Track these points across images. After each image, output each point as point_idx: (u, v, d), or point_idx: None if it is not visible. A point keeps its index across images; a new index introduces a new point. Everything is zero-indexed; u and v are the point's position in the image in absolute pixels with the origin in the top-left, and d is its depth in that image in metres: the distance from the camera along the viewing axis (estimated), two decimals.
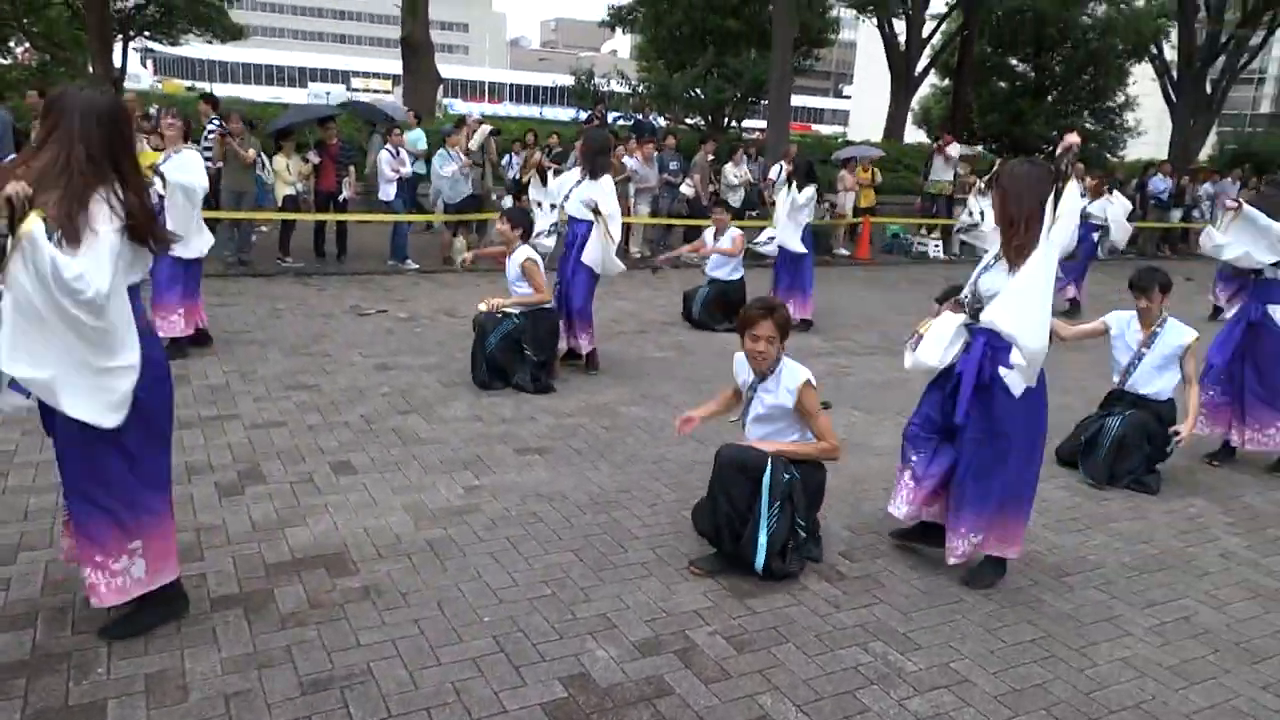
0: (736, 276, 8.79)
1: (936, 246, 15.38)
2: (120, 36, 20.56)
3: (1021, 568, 4.06)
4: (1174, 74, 25.13)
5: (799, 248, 8.67)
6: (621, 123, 19.90)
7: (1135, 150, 30.99)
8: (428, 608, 3.44)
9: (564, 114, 52.61)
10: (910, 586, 3.86)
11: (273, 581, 3.57)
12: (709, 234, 8.93)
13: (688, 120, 23.26)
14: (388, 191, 11.27)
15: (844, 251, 14.89)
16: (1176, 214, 17.82)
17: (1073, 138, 3.77)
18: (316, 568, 3.70)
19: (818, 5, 23.88)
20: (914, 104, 29.23)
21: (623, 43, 78.13)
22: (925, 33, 26.51)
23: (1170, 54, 25.98)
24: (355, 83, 75.53)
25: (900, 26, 26.43)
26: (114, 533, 3.03)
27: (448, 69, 22.45)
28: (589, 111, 19.26)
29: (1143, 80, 28.37)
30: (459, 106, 51.54)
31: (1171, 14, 25.27)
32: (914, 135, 31.70)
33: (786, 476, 3.72)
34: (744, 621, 3.48)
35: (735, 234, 8.75)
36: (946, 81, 29.75)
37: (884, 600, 3.72)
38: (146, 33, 21.50)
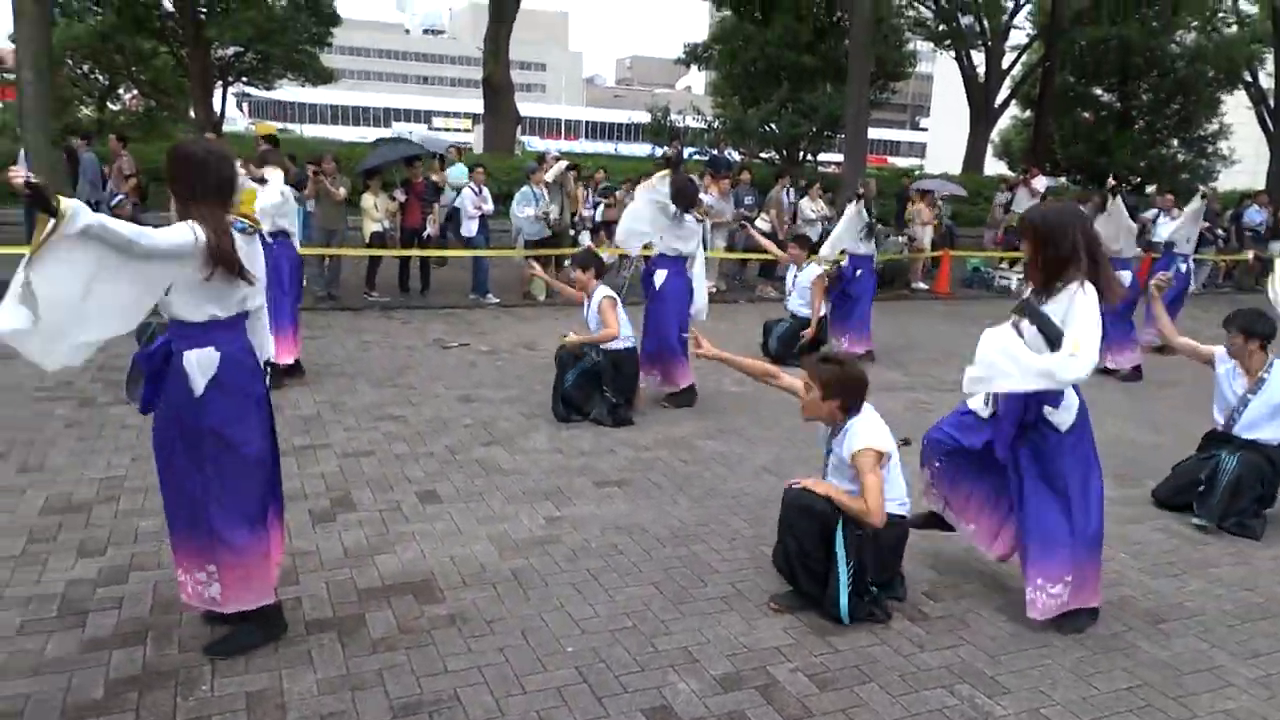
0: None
1: (1019, 280, 15.05)
2: (220, 82, 21.67)
3: (1114, 612, 3.94)
4: (1270, 101, 24.25)
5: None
6: (697, 158, 20.11)
7: (1230, 180, 29.92)
8: (512, 636, 3.51)
9: (639, 149, 53.38)
10: (997, 628, 3.78)
11: (364, 606, 3.69)
12: (791, 270, 8.94)
13: (762, 155, 23.37)
14: (470, 228, 11.57)
15: (922, 286, 14.70)
16: (1276, 245, 17.12)
17: None
18: (405, 594, 3.80)
19: (894, 39, 23.83)
20: (994, 135, 28.79)
21: (697, 79, 78.94)
22: (1005, 64, 26.17)
23: (1266, 81, 25.08)
24: (436, 122, 77.95)
25: (979, 58, 26.15)
26: (192, 549, 3.24)
27: (526, 107, 23.03)
28: (665, 147, 19.49)
29: (1238, 108, 27.44)
30: (536, 144, 52.73)
31: (1266, 40, 24.44)
32: (994, 167, 31.19)
33: (859, 533, 3.66)
34: (826, 659, 3.46)
35: (815, 271, 8.71)
36: (1028, 113, 29.25)
37: (970, 641, 3.65)
38: (244, 78, 22.64)
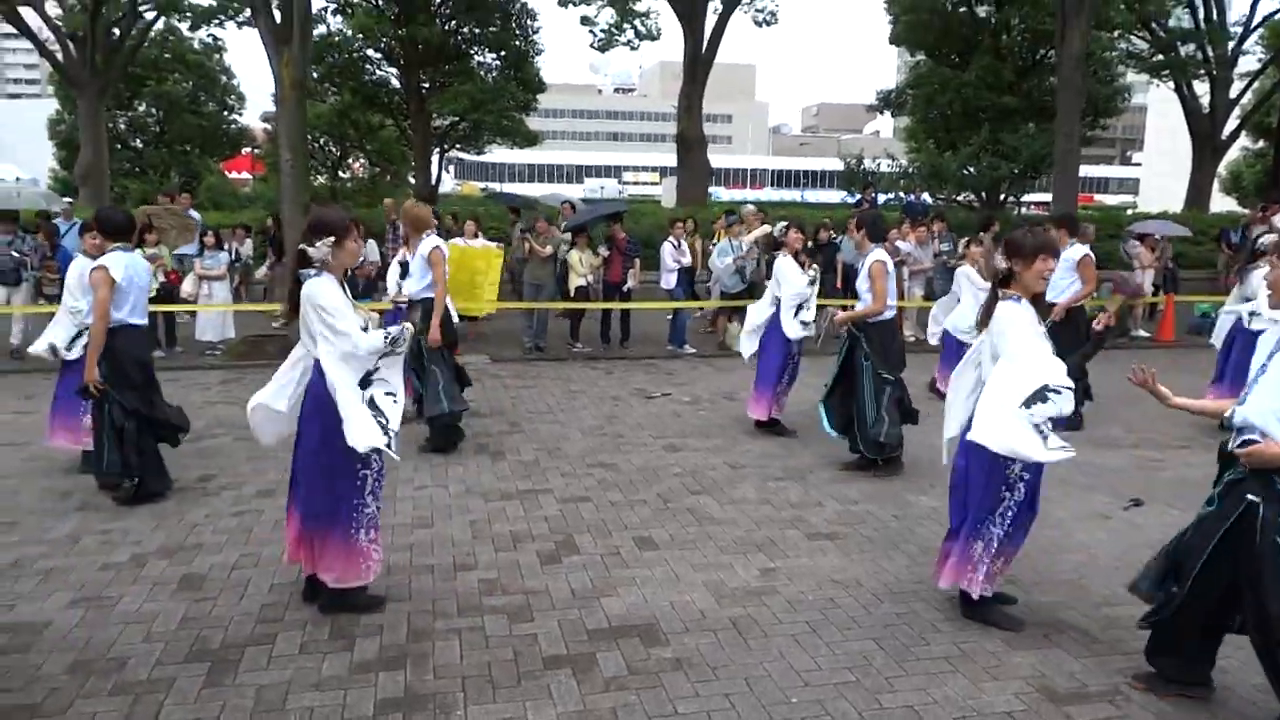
0: None
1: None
2: (437, 149, 23.59)
3: None
4: None
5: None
6: (891, 204, 19.82)
7: None
8: (737, 684, 3.60)
9: (825, 196, 53.06)
10: (1258, 709, 3.49)
11: (594, 646, 3.90)
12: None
13: (958, 199, 22.70)
14: (669, 280, 11.95)
15: (1143, 333, 13.73)
16: None
17: None
18: (631, 636, 3.99)
19: (1104, 74, 22.64)
20: (1220, 169, 26.59)
21: (885, 124, 77.78)
22: (1234, 92, 24.18)
23: None
24: (626, 176, 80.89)
25: (1202, 88, 24.33)
26: None
27: (712, 158, 23.54)
28: (858, 195, 19.35)
29: None
30: (722, 194, 53.60)
31: None
32: (1222, 203, 28.74)
33: None
34: None
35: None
36: (1261, 143, 26.85)
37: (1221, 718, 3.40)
38: (458, 145, 24.53)
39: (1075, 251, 7.93)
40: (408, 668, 3.69)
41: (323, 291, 3.91)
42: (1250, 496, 3.23)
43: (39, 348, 6.15)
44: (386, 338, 3.97)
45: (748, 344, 7.53)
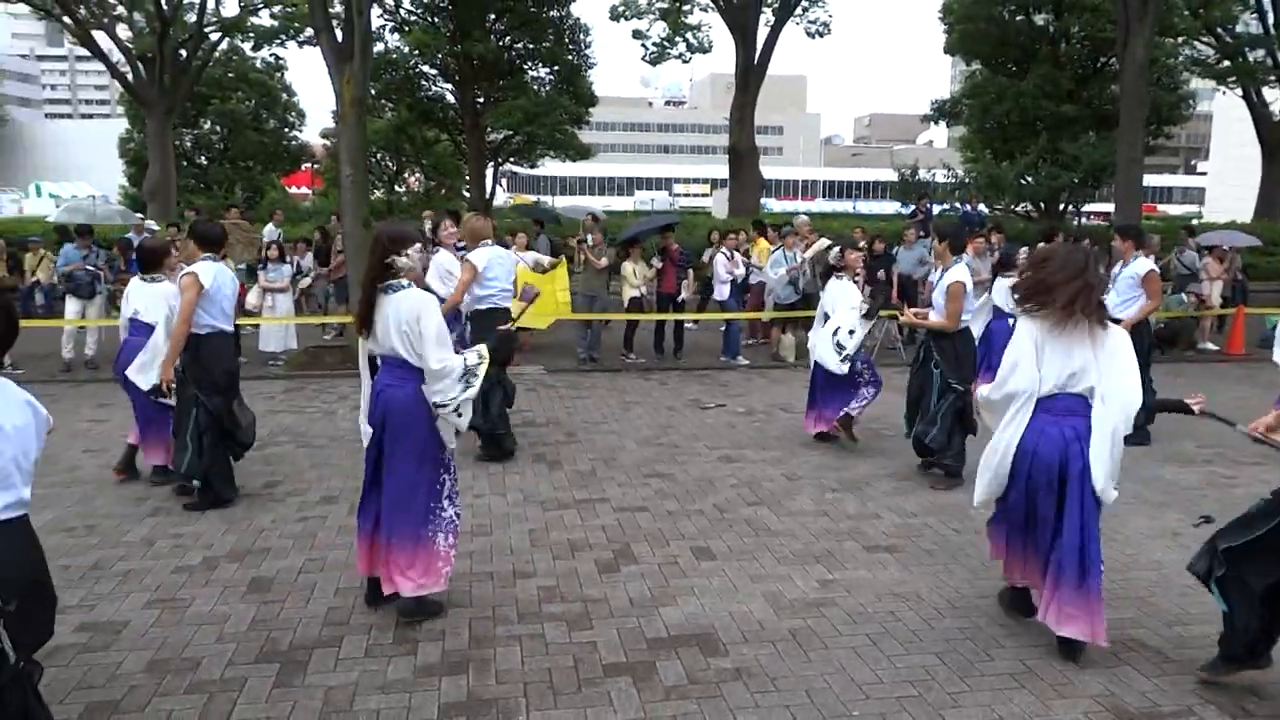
0: None
1: None
2: (491, 163, 23.91)
3: None
4: None
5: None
6: (949, 214, 19.57)
7: None
8: (797, 695, 3.59)
9: (878, 207, 52.57)
10: None
11: (653, 655, 3.91)
12: None
13: (1015, 209, 22.33)
14: (722, 291, 11.95)
15: (1211, 346, 13.34)
16: None
17: None
18: (690, 645, 3.99)
19: (1168, 81, 22.12)
20: None
21: (939, 134, 76.78)
22: None
23: None
24: (677, 188, 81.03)
25: (1272, 94, 23.63)
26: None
27: (764, 170, 23.51)
28: (913, 205, 19.16)
29: None
30: (774, 205, 53.44)
31: None
32: None
33: None
34: None
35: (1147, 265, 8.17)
36: None
37: None
38: (512, 158, 24.84)
39: (1141, 266, 7.75)
40: (470, 673, 3.74)
41: (432, 309, 4.03)
42: None
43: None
44: (464, 366, 4.10)
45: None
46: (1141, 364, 7.60)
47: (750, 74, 21.65)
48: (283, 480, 6.39)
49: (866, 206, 60.03)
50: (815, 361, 7.33)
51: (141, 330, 6.15)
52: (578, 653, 3.92)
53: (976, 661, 3.88)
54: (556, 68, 22.92)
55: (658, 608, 4.37)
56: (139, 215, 16.84)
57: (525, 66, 23.09)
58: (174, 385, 5.58)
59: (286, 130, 32.84)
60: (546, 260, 12.17)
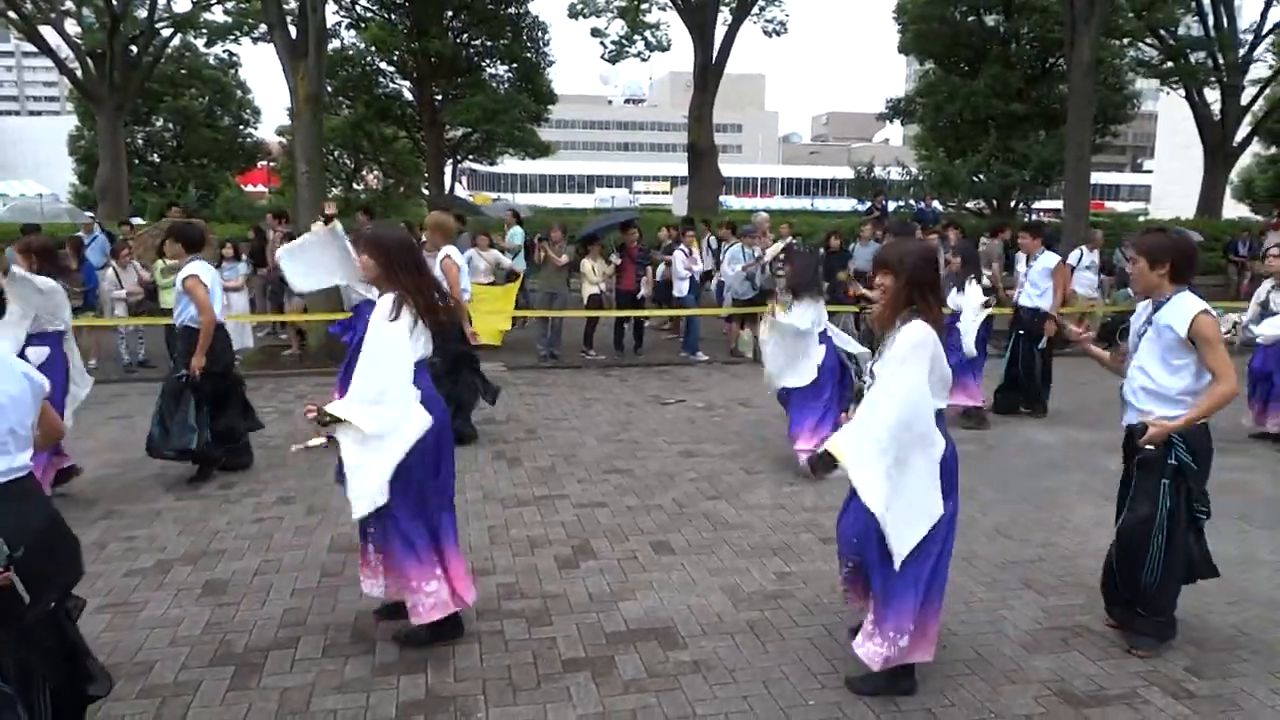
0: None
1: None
2: (450, 161, 23.79)
3: None
4: None
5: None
6: (902, 211, 19.85)
7: None
8: (754, 686, 3.63)
9: (837, 204, 53.06)
10: (1275, 713, 3.50)
11: (612, 649, 3.93)
12: (1021, 261, 8.71)
13: (968, 206, 22.69)
14: (681, 288, 12.00)
15: None
16: None
17: None
18: (649, 639, 4.02)
19: (1114, 81, 22.62)
20: (1233, 176, 26.48)
21: (895, 132, 77.73)
22: (1245, 99, 24.09)
23: None
24: (637, 186, 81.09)
25: (1213, 95, 24.26)
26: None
27: (723, 167, 23.66)
28: (869, 202, 19.40)
29: None
30: (732, 203, 53.69)
31: None
32: (1233, 210, 28.60)
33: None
34: None
35: (1053, 260, 8.45)
36: (1273, 149, 26.75)
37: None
38: (471, 156, 24.74)
39: (1049, 259, 8.46)
40: (429, 671, 3.73)
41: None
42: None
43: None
44: None
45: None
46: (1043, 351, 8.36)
47: (709, 72, 21.74)
48: (238, 481, 6.31)
49: (824, 204, 60.51)
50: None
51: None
52: (537, 649, 3.93)
53: None
54: (515, 65, 22.85)
55: (617, 602, 4.39)
56: (89, 213, 16.47)
57: (483, 64, 22.99)
58: (202, 370, 6.04)
59: (241, 127, 32.32)
60: (506, 261, 12.18)
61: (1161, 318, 3.80)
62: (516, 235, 13.66)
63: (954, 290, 8.05)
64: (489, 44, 22.47)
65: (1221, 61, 23.42)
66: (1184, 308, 3.74)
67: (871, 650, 3.46)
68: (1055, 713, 3.47)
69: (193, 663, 3.78)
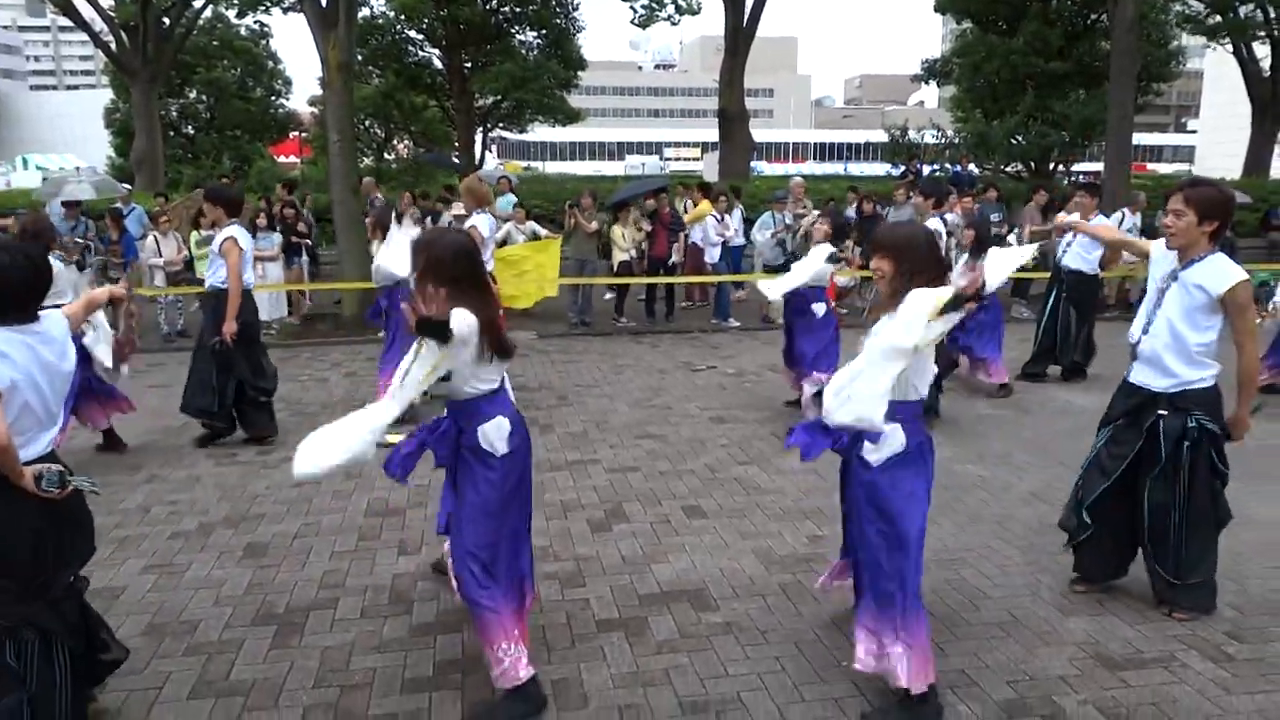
0: None
1: None
2: (480, 129, 23.76)
3: None
4: None
5: None
6: (937, 174, 19.52)
7: None
8: (787, 647, 3.65)
9: (870, 168, 52.33)
10: None
11: (646, 610, 3.97)
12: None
13: (1006, 169, 22.24)
14: (712, 254, 11.93)
15: None
16: None
17: None
18: (681, 601, 4.05)
19: (1158, 36, 21.95)
20: None
21: (930, 94, 76.18)
22: None
23: None
24: (668, 152, 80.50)
25: (1263, 50, 23.46)
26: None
27: (755, 133, 23.38)
28: (904, 166, 19.09)
29: None
30: (764, 168, 53.14)
31: None
32: None
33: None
34: (1118, 694, 3.32)
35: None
36: None
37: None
38: (501, 124, 24.69)
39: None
40: (465, 631, 3.79)
41: None
42: None
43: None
44: None
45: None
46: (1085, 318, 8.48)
47: (740, 36, 21.39)
48: (276, 448, 6.42)
49: (858, 168, 59.72)
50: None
51: None
52: (571, 610, 3.98)
53: (963, 612, 3.95)
54: (544, 31, 22.68)
55: (649, 565, 4.43)
56: (125, 186, 16.68)
57: (513, 30, 22.85)
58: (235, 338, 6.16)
59: (273, 98, 32.52)
60: (544, 233, 12.15)
61: (1191, 276, 3.70)
62: (506, 203, 13.53)
63: (964, 259, 7.90)
64: (518, 10, 22.32)
65: (1273, 15, 22.61)
66: (1222, 272, 3.64)
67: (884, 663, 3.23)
68: (1091, 675, 3.45)
69: (236, 622, 3.88)
